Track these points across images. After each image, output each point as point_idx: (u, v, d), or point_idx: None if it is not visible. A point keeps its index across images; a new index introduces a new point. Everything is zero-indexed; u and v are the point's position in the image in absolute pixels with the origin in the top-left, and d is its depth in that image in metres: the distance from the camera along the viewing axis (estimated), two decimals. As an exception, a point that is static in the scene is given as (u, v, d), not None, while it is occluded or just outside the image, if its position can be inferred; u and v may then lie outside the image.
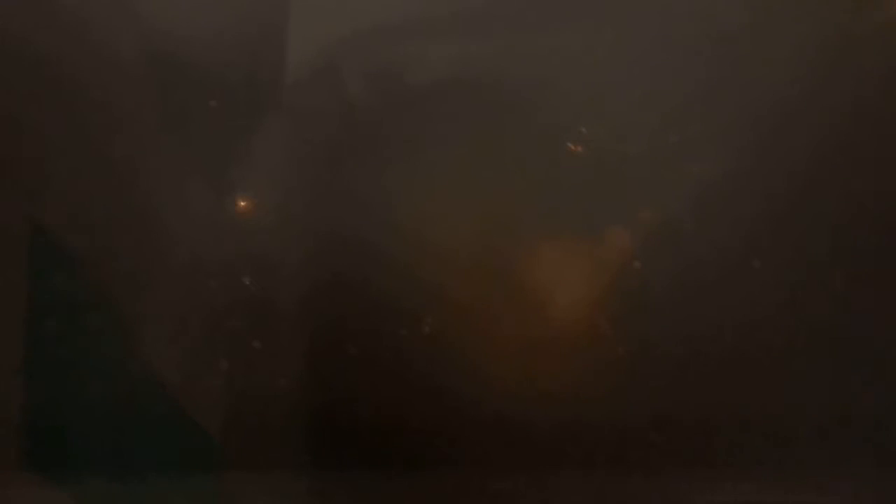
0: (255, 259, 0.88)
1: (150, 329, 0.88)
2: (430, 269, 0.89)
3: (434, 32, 0.89)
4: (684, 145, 0.90)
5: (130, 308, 0.87)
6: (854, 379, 0.90)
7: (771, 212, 0.90)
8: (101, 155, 0.88)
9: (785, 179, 0.90)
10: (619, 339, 0.89)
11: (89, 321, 0.87)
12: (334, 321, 0.89)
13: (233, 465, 0.88)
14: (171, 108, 0.89)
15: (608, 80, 0.90)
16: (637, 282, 0.89)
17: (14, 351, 0.87)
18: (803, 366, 0.90)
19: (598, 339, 0.89)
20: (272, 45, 0.89)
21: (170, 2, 0.88)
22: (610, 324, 0.89)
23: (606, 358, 0.89)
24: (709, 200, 0.89)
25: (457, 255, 0.89)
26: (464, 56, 0.89)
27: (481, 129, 0.89)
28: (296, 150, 0.89)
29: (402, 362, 0.88)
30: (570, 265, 0.90)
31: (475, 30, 0.89)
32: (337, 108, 0.89)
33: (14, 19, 0.88)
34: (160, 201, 0.88)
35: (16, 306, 0.87)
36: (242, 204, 0.89)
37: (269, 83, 0.89)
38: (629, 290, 0.89)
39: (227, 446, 0.88)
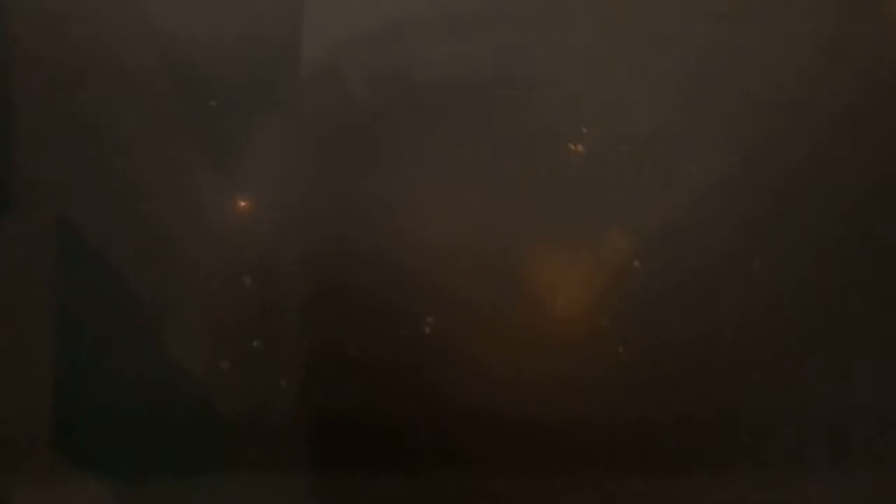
0: (255, 259, 0.88)
1: (150, 329, 0.88)
2: (430, 269, 0.89)
3: (434, 33, 0.89)
4: (684, 145, 0.90)
5: (129, 309, 0.87)
6: (854, 378, 0.90)
7: (771, 212, 0.90)
8: (100, 155, 0.88)
9: (785, 179, 0.90)
10: (619, 339, 0.89)
11: (87, 322, 0.87)
12: (334, 321, 0.89)
13: (233, 465, 0.88)
14: (171, 108, 0.88)
15: (608, 80, 0.90)
16: (637, 282, 0.89)
17: (13, 353, 0.87)
18: (803, 366, 0.90)
19: (598, 339, 0.89)
20: (273, 46, 0.89)
21: (169, 2, 0.88)
22: (610, 324, 0.89)
23: (606, 358, 0.89)
24: (709, 200, 0.89)
25: (457, 255, 0.89)
26: (464, 57, 0.89)
27: (482, 129, 0.89)
28: (297, 151, 0.89)
29: (402, 362, 0.88)
30: (570, 265, 0.90)
31: (475, 30, 0.89)
32: (338, 109, 0.89)
33: (15, 19, 0.88)
34: (160, 201, 0.88)
35: (13, 307, 0.87)
36: (242, 204, 0.89)
37: (269, 83, 0.89)
38: (629, 290, 0.89)
39: (227, 446, 0.88)
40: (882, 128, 0.91)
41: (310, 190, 0.89)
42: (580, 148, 0.89)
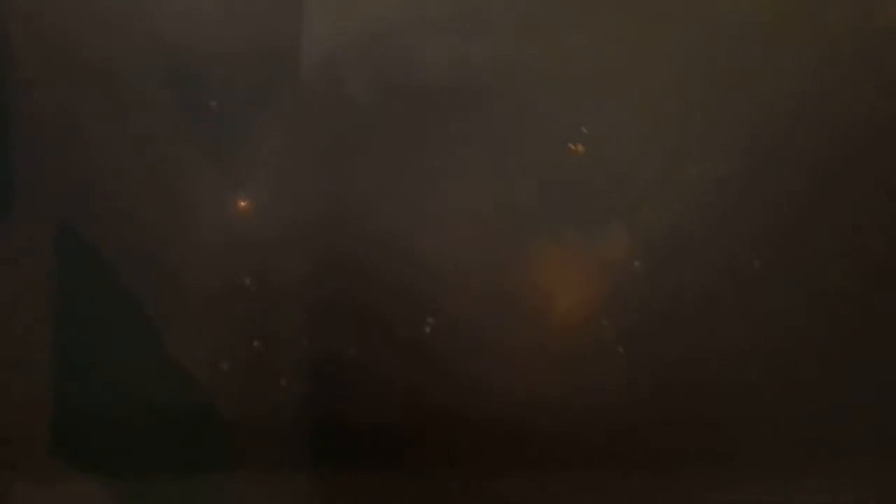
0: (255, 260, 0.88)
1: (150, 330, 0.88)
2: (430, 270, 0.89)
3: (435, 34, 0.89)
4: (684, 145, 0.90)
5: (130, 309, 0.87)
6: (854, 379, 0.90)
7: (771, 212, 0.90)
8: (100, 156, 0.88)
9: (784, 180, 0.90)
10: (619, 339, 0.89)
11: (87, 323, 0.87)
12: (334, 321, 0.89)
13: (233, 464, 0.88)
14: (172, 109, 0.88)
15: (608, 80, 0.90)
16: (637, 282, 0.89)
17: (13, 353, 0.87)
18: (803, 366, 0.90)
19: (598, 339, 0.89)
20: (273, 47, 0.89)
21: (170, 3, 0.88)
22: (610, 324, 0.89)
23: (606, 358, 0.89)
24: (708, 201, 0.89)
25: (457, 256, 0.89)
26: (464, 58, 0.89)
27: (482, 129, 0.89)
28: (297, 151, 0.89)
29: (402, 363, 0.88)
30: (570, 265, 0.90)
31: (476, 31, 0.89)
32: (337, 110, 0.89)
33: (15, 21, 0.88)
34: (160, 202, 0.88)
35: (13, 308, 0.87)
36: (242, 205, 0.89)
37: (269, 85, 0.89)
38: (629, 291, 0.89)
39: (227, 446, 0.88)
40: (882, 128, 0.91)
41: (310, 190, 0.89)
42: (580, 148, 0.89)
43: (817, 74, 0.90)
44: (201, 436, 0.88)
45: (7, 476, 0.88)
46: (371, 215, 0.89)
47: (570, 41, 0.90)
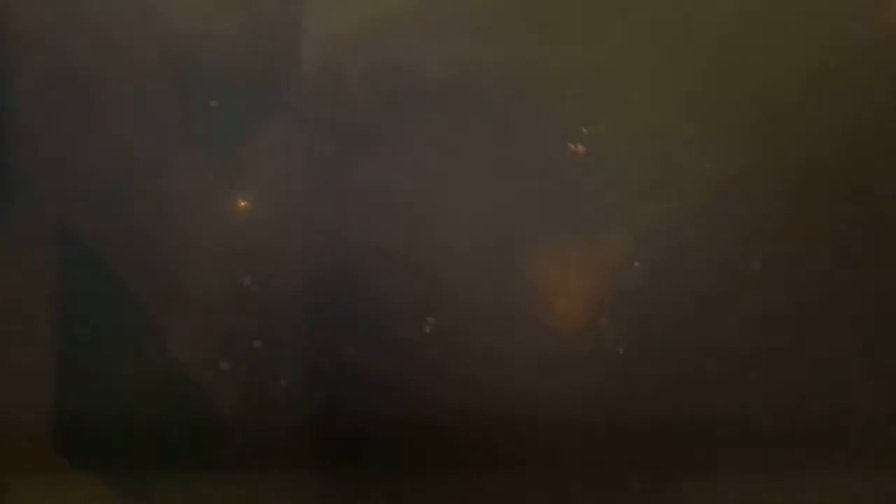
0: (255, 259, 0.88)
1: (150, 330, 0.88)
2: (430, 270, 0.89)
3: (435, 33, 0.89)
4: (684, 146, 0.90)
5: (130, 309, 0.87)
6: (854, 379, 0.90)
7: (770, 212, 0.90)
8: (100, 155, 0.88)
9: (785, 180, 0.90)
10: (619, 339, 0.89)
11: (88, 323, 0.87)
12: (334, 321, 0.89)
13: (233, 465, 0.88)
14: (172, 108, 0.89)
15: (609, 80, 0.90)
16: (637, 282, 0.89)
17: (13, 352, 0.87)
18: (803, 366, 0.90)
19: (598, 339, 0.89)
20: (273, 46, 0.89)
21: (170, 3, 0.88)
22: (610, 324, 0.89)
23: (606, 358, 0.89)
24: (708, 201, 0.89)
25: (457, 256, 0.89)
26: (464, 57, 0.89)
27: (482, 129, 0.89)
28: (297, 150, 0.89)
29: (402, 362, 0.88)
30: (570, 265, 0.90)
31: (476, 30, 0.89)
32: (338, 109, 0.89)
33: (16, 20, 0.88)
34: (160, 201, 0.88)
35: (13, 307, 0.87)
36: (242, 204, 0.89)
37: (269, 83, 0.89)
38: (629, 290, 0.89)
39: (227, 446, 0.88)
40: (885, 129, 0.91)
41: (310, 190, 0.89)
42: (580, 148, 0.89)
43: (820, 74, 0.90)
44: (201, 436, 0.88)
45: (8, 476, 0.88)
46: (371, 215, 0.89)
47: (570, 41, 0.90)
